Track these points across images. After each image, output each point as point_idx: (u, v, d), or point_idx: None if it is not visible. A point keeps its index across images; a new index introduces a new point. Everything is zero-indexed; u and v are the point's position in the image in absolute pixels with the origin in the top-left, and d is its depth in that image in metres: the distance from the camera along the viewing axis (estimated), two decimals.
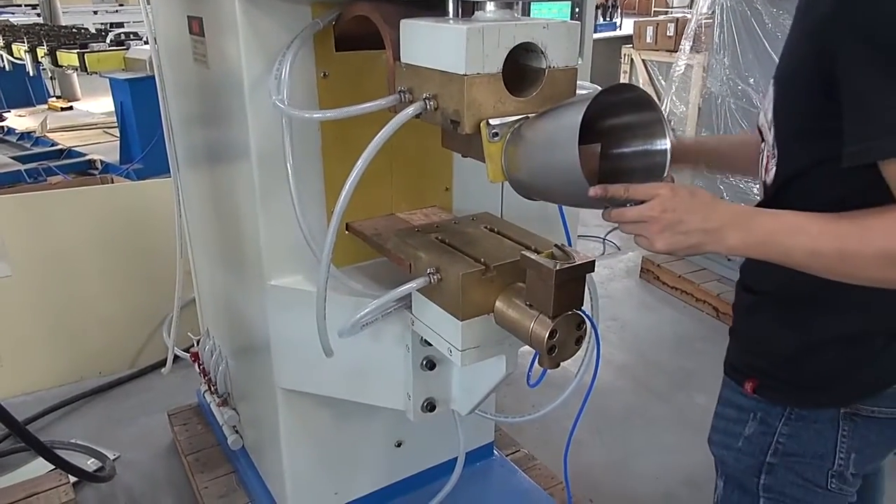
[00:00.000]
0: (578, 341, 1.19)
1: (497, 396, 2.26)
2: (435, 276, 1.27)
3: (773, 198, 1.12)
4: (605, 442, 2.67)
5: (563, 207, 1.40)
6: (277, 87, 1.34)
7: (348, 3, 1.35)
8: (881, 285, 0.95)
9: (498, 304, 1.25)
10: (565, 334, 1.15)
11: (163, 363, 2.49)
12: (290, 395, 1.74)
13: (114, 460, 2.46)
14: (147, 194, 3.12)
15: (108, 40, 6.13)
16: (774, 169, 1.11)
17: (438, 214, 1.66)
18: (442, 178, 1.71)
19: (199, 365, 2.29)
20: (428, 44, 1.15)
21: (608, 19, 16.08)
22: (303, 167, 1.44)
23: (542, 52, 1.14)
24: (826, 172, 1.02)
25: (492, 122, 1.12)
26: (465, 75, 1.08)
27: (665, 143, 1.07)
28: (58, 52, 5.74)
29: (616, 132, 1.11)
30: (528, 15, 1.35)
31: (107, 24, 12.27)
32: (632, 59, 6.84)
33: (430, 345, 1.40)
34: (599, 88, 1.04)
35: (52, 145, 6.56)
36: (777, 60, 1.30)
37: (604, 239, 4.62)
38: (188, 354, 2.42)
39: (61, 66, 5.82)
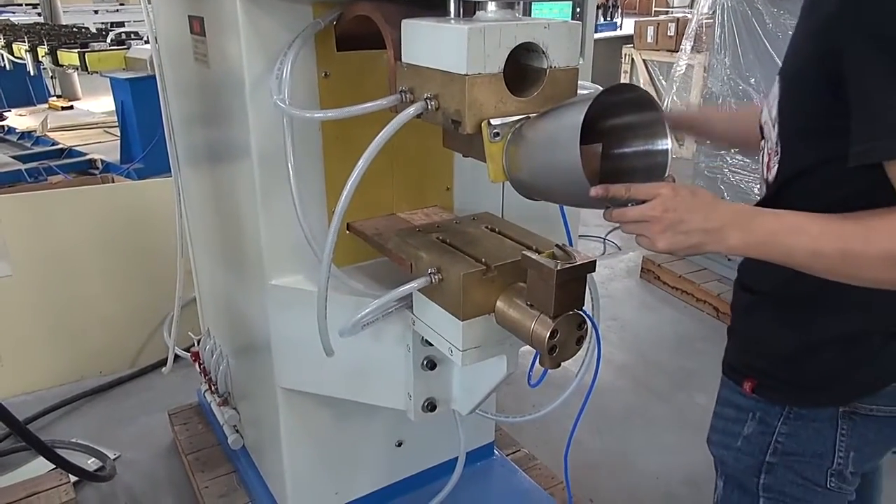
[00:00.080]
0: (579, 341, 1.19)
1: (497, 396, 2.26)
2: (436, 276, 1.27)
3: (775, 196, 1.12)
4: (605, 442, 2.67)
5: (564, 207, 1.40)
6: (278, 86, 1.34)
7: (349, 3, 1.35)
8: (883, 286, 0.95)
9: (499, 304, 1.25)
10: (566, 334, 1.15)
11: (163, 363, 2.49)
12: (290, 394, 1.74)
13: (114, 460, 2.46)
14: (147, 194, 3.12)
15: (108, 40, 6.13)
16: (777, 167, 1.11)
17: (439, 214, 1.66)
18: (443, 178, 1.71)
19: (200, 364, 2.29)
20: (429, 44, 1.15)
21: (609, 19, 16.08)
22: (304, 167, 1.44)
23: (544, 52, 1.14)
24: (830, 171, 1.02)
25: (493, 122, 1.12)
26: (467, 75, 1.08)
27: (666, 143, 1.08)
28: (58, 52, 5.74)
29: (617, 132, 1.11)
30: (530, 15, 1.35)
31: (107, 23, 12.27)
32: (632, 59, 6.85)
33: (431, 344, 1.40)
34: (600, 88, 1.04)
35: (53, 145, 6.56)
36: (778, 60, 1.30)
37: (604, 239, 4.63)
38: (189, 354, 2.42)
39: (62, 66, 5.82)
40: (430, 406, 1.52)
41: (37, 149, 6.56)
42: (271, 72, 1.36)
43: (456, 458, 1.79)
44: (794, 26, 1.11)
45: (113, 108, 6.21)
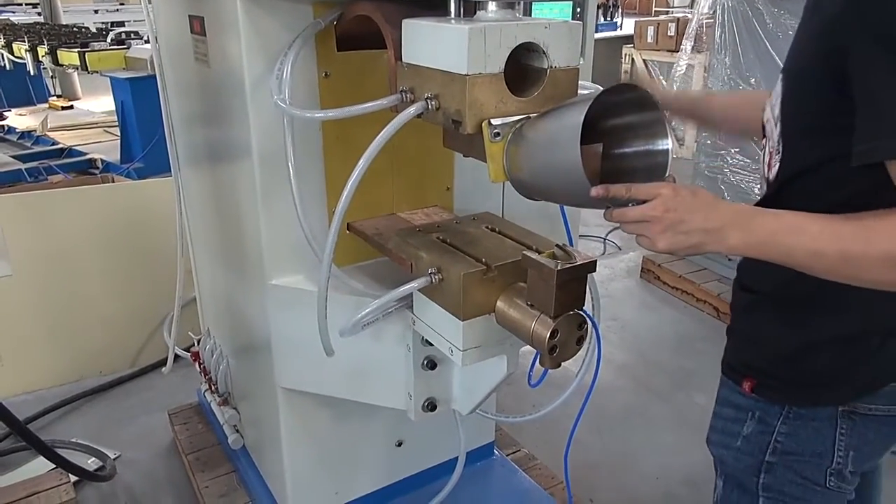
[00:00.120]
0: (579, 341, 1.19)
1: (498, 396, 2.26)
2: (436, 276, 1.27)
3: (775, 194, 1.12)
4: (605, 442, 2.67)
5: (565, 207, 1.40)
6: (279, 86, 1.34)
7: (350, 3, 1.35)
8: (883, 287, 0.95)
9: (499, 303, 1.25)
10: (566, 334, 1.15)
11: (163, 362, 2.49)
12: (290, 394, 1.74)
13: (114, 459, 2.46)
14: (148, 193, 3.12)
15: (108, 39, 6.12)
16: (778, 165, 1.11)
17: (440, 214, 1.66)
18: (443, 178, 1.71)
19: (200, 364, 2.29)
20: (430, 44, 1.15)
21: (609, 19, 16.08)
22: (304, 167, 1.44)
23: (544, 52, 1.14)
24: (832, 170, 1.02)
25: (493, 121, 1.12)
26: (467, 75, 1.08)
27: (667, 143, 1.08)
28: (58, 51, 5.74)
29: (618, 132, 1.11)
30: (530, 15, 1.35)
31: (107, 23, 12.26)
32: (633, 59, 6.84)
33: (431, 344, 1.40)
34: (601, 88, 1.04)
35: (53, 144, 6.55)
36: (779, 60, 1.30)
37: (604, 239, 4.63)
38: (189, 354, 2.42)
39: (62, 65, 5.82)
40: (431, 406, 1.52)
41: (37, 148, 6.56)
42: (272, 71, 1.36)
43: (456, 458, 1.79)
44: (794, 26, 1.11)
45: (113, 107, 6.21)
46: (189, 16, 1.69)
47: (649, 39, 6.85)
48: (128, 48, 5.71)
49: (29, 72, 6.70)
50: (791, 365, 1.15)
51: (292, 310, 1.58)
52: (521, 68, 1.17)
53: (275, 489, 2.05)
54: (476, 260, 1.27)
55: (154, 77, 2.07)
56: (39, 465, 2.31)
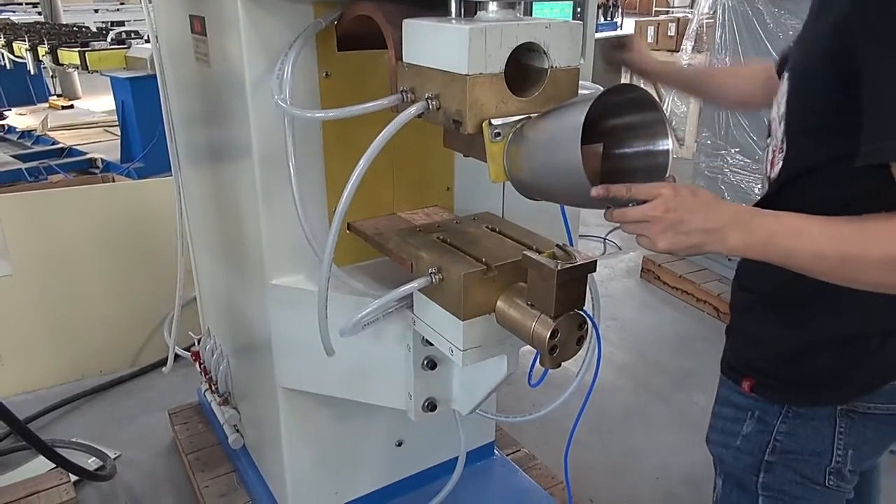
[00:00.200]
0: (580, 341, 1.19)
1: (498, 396, 2.26)
2: (436, 276, 1.27)
3: (776, 193, 1.12)
4: (605, 442, 2.67)
5: (565, 207, 1.40)
6: (279, 86, 1.34)
7: (350, 3, 1.35)
8: (882, 290, 0.95)
9: (499, 303, 1.25)
10: (566, 334, 1.15)
11: (164, 362, 2.49)
12: (291, 394, 1.74)
13: (114, 459, 2.46)
14: (148, 193, 3.12)
15: (109, 39, 6.12)
16: (781, 164, 1.11)
17: (440, 214, 1.66)
18: (443, 178, 1.71)
19: (200, 364, 2.29)
20: (430, 44, 1.15)
21: (609, 19, 16.09)
22: (305, 166, 1.44)
23: (545, 52, 1.14)
24: (835, 170, 1.02)
25: (494, 121, 1.12)
26: (468, 75, 1.08)
27: (667, 144, 1.08)
28: (59, 51, 5.74)
29: (618, 132, 1.11)
30: (531, 15, 1.35)
31: (108, 22, 12.26)
32: None
33: (432, 344, 1.40)
34: (601, 88, 1.04)
35: (53, 144, 6.55)
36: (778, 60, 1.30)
37: (604, 239, 4.63)
38: (189, 353, 2.42)
39: (62, 65, 5.82)
40: (431, 406, 1.52)
41: (37, 148, 6.55)
42: (272, 71, 1.36)
43: (456, 458, 1.79)
44: (794, 26, 1.12)
45: (113, 107, 6.21)
46: (190, 15, 1.69)
47: (649, 39, 6.85)
48: (128, 48, 5.71)
49: (29, 71, 6.70)
50: (791, 365, 1.15)
51: (293, 309, 1.58)
52: (522, 68, 1.17)
53: (275, 489, 2.05)
54: (476, 260, 1.27)
55: (154, 77, 2.07)
56: (40, 465, 2.31)
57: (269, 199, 1.52)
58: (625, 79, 1.71)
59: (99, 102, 8.51)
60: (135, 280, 3.00)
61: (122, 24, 11.41)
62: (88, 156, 5.99)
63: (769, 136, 1.17)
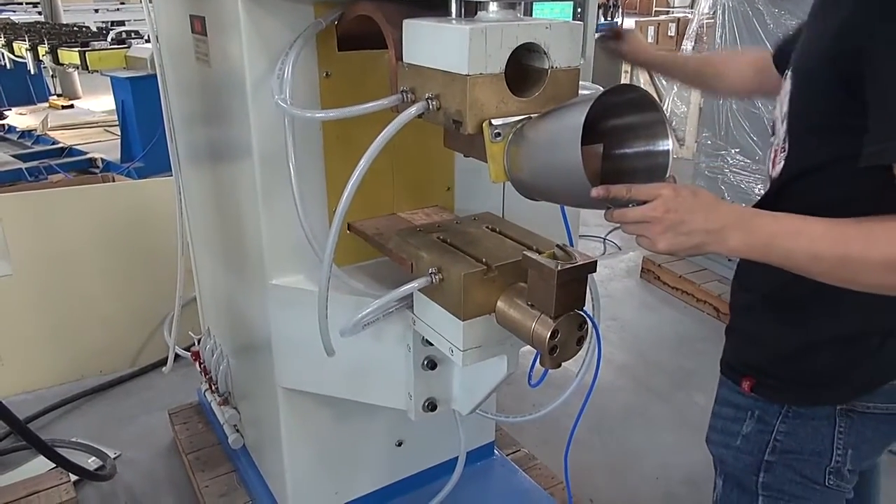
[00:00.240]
0: (580, 341, 1.19)
1: (498, 396, 2.26)
2: (436, 276, 1.28)
3: (778, 192, 1.12)
4: (605, 442, 2.67)
5: (565, 207, 1.40)
6: (280, 86, 1.34)
7: (351, 3, 1.35)
8: (881, 292, 0.95)
9: (499, 304, 1.25)
10: (567, 334, 1.15)
11: (164, 362, 2.49)
12: (291, 394, 1.74)
13: (114, 459, 2.46)
14: (148, 193, 3.12)
15: (109, 39, 6.12)
16: (783, 163, 1.11)
17: (440, 214, 1.66)
18: (443, 178, 1.71)
19: (200, 364, 2.29)
20: (430, 44, 1.15)
21: (609, 19, 16.08)
22: (305, 166, 1.44)
23: (545, 53, 1.14)
24: (838, 171, 1.02)
25: (494, 122, 1.12)
26: (468, 75, 1.08)
27: (667, 144, 1.08)
28: (59, 51, 5.73)
29: (618, 133, 1.11)
30: (531, 15, 1.35)
31: (108, 22, 12.26)
32: None
33: (432, 344, 1.40)
34: (602, 89, 1.04)
35: (53, 143, 6.55)
36: None
37: (604, 239, 4.63)
38: (189, 353, 2.42)
39: (62, 65, 5.81)
40: (431, 406, 1.52)
41: (37, 148, 6.55)
42: (273, 71, 1.36)
43: (456, 458, 1.79)
44: (794, 26, 1.12)
45: (113, 106, 6.21)
46: (190, 15, 1.69)
47: (650, 39, 6.85)
48: (128, 47, 5.71)
49: (29, 71, 6.70)
50: (790, 364, 1.15)
51: (293, 309, 1.58)
52: (522, 68, 1.17)
53: (275, 489, 2.05)
54: (476, 260, 1.27)
55: (154, 76, 2.07)
56: (40, 465, 2.31)
57: (269, 198, 1.52)
58: (625, 78, 1.72)
59: (99, 102, 8.51)
60: (135, 280, 3.00)
61: (122, 23, 11.41)
62: (88, 156, 5.99)
63: (773, 135, 1.17)
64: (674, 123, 6.17)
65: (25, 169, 5.51)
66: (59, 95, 8.82)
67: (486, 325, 1.27)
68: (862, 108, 0.93)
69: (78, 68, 5.59)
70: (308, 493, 1.91)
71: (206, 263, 2.21)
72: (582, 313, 1.17)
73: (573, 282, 1.13)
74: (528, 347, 1.23)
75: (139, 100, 5.44)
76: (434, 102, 1.16)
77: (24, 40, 6.13)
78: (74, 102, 8.75)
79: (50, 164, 5.65)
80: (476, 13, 1.15)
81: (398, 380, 1.53)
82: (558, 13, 1.69)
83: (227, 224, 1.86)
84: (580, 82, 1.21)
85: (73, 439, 2.55)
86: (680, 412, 2.86)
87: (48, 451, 1.97)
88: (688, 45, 5.45)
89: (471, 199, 1.73)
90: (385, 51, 1.28)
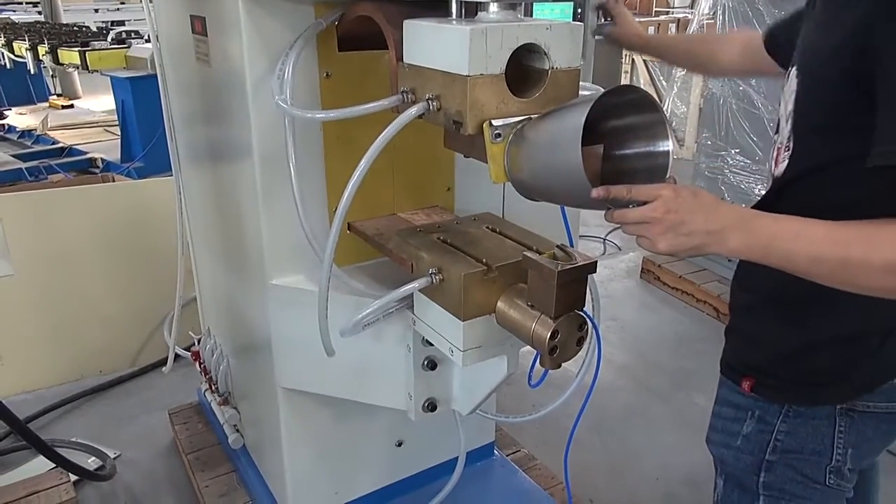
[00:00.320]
0: (580, 342, 1.19)
1: (498, 396, 2.26)
2: (437, 277, 1.28)
3: (781, 191, 1.12)
4: (605, 442, 2.67)
5: (565, 208, 1.40)
6: (280, 86, 1.34)
7: (351, 3, 1.35)
8: (881, 294, 0.95)
9: (499, 304, 1.25)
10: (567, 335, 1.16)
11: (164, 362, 2.49)
12: (291, 394, 1.75)
13: (114, 459, 2.46)
14: (148, 193, 3.13)
15: (109, 38, 6.12)
16: (786, 162, 1.11)
17: (440, 214, 1.66)
18: (444, 178, 1.71)
19: (200, 364, 2.29)
20: (431, 44, 1.15)
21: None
22: (305, 167, 1.44)
23: (545, 54, 1.14)
24: (843, 171, 1.02)
25: (494, 122, 1.12)
26: (469, 76, 1.08)
27: (667, 145, 1.08)
28: (59, 50, 5.73)
29: (618, 133, 1.12)
30: (531, 16, 1.35)
31: (108, 22, 12.26)
32: (633, 60, 6.84)
33: (432, 345, 1.40)
34: (602, 90, 1.04)
35: (53, 143, 6.55)
36: None
37: (604, 239, 4.63)
38: (189, 353, 2.42)
39: (62, 65, 5.81)
40: (431, 406, 1.52)
41: (37, 147, 6.55)
42: (273, 72, 1.36)
43: (456, 458, 1.79)
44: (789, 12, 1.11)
45: (113, 106, 6.21)
46: (190, 16, 1.69)
47: None
48: (128, 47, 5.71)
49: (29, 71, 6.70)
50: (791, 364, 1.16)
51: (293, 310, 1.58)
52: (523, 69, 1.17)
53: (275, 489, 2.05)
54: (477, 260, 1.27)
55: (154, 76, 2.07)
56: (39, 465, 2.31)
57: (269, 199, 1.52)
58: (625, 79, 1.73)
59: (99, 102, 8.51)
60: (135, 280, 3.00)
61: (122, 23, 11.41)
62: (88, 155, 6.00)
63: (776, 133, 1.17)
64: (674, 124, 6.18)
65: (25, 169, 5.51)
66: (59, 95, 8.82)
67: (486, 326, 1.27)
68: (869, 107, 0.92)
69: (78, 68, 5.59)
70: (308, 493, 1.91)
71: (206, 263, 2.21)
72: (582, 314, 1.17)
73: (573, 282, 1.13)
74: (529, 348, 1.23)
75: (139, 100, 5.43)
76: (434, 103, 1.16)
77: (24, 40, 6.13)
78: (74, 102, 8.75)
79: (50, 164, 5.65)
80: (476, 14, 1.16)
81: (398, 380, 1.53)
82: (558, 14, 1.69)
83: (227, 224, 1.86)
84: (580, 83, 1.21)
85: (73, 439, 2.55)
86: (680, 412, 2.86)
87: (48, 451, 1.97)
88: None
89: (471, 199, 1.73)
90: (385, 51, 1.28)
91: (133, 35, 6.37)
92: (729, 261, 3.62)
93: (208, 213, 2.02)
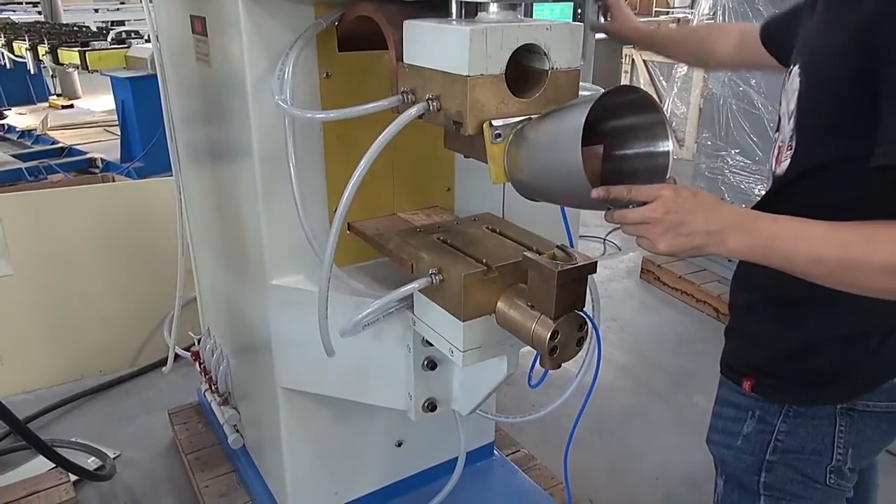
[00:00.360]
0: (580, 342, 1.19)
1: (497, 396, 2.26)
2: (437, 277, 1.28)
3: (782, 190, 1.12)
4: (605, 442, 2.67)
5: (565, 208, 1.40)
6: (280, 86, 1.34)
7: (351, 4, 1.35)
8: (881, 296, 0.95)
9: (499, 304, 1.25)
10: (567, 335, 1.16)
11: (163, 362, 2.49)
12: (291, 394, 1.75)
13: (114, 459, 2.46)
14: (148, 193, 3.13)
15: (109, 38, 6.12)
16: (788, 161, 1.11)
17: (440, 215, 1.66)
18: (444, 179, 1.71)
19: (200, 364, 2.29)
20: (431, 45, 1.15)
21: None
22: (305, 167, 1.44)
23: (545, 54, 1.14)
24: (845, 171, 1.02)
25: (494, 123, 1.12)
26: (469, 76, 1.08)
27: (667, 145, 1.08)
28: (59, 50, 5.73)
29: (618, 134, 1.12)
30: (531, 16, 1.35)
31: (108, 22, 12.26)
32: (633, 60, 6.85)
33: (432, 345, 1.40)
34: (602, 90, 1.04)
35: (53, 143, 6.55)
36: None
37: (604, 239, 4.63)
38: (189, 353, 2.42)
39: (62, 65, 5.81)
40: (431, 406, 1.52)
41: (37, 147, 6.55)
42: (273, 72, 1.36)
43: (456, 459, 1.79)
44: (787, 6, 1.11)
45: (113, 106, 6.21)
46: (191, 16, 1.69)
47: None
48: (128, 47, 5.71)
49: (29, 71, 6.70)
50: (791, 364, 1.16)
51: (293, 310, 1.58)
52: (523, 69, 1.17)
53: (275, 489, 2.05)
54: (477, 261, 1.27)
55: (154, 76, 2.07)
56: (39, 465, 2.31)
57: (269, 199, 1.52)
58: (625, 79, 1.73)
59: (99, 102, 8.51)
60: (135, 280, 3.00)
61: (122, 23, 11.41)
62: (88, 155, 6.00)
63: (776, 131, 1.17)
64: (674, 124, 6.18)
65: (25, 169, 5.51)
66: (58, 95, 8.83)
67: (486, 326, 1.27)
68: (874, 108, 0.92)
69: (78, 68, 5.59)
70: (308, 494, 1.91)
71: (206, 263, 2.21)
72: (582, 314, 1.17)
73: (573, 282, 1.13)
74: (528, 348, 1.23)
75: (139, 100, 5.44)
76: (434, 103, 1.16)
77: (24, 40, 6.13)
78: (74, 102, 8.75)
79: (50, 163, 5.65)
80: (476, 14, 1.16)
81: (398, 380, 1.53)
82: (559, 14, 1.69)
83: (227, 224, 1.86)
84: (580, 83, 1.21)
85: (73, 439, 2.55)
86: (680, 412, 2.86)
87: (48, 451, 1.97)
88: None
89: (471, 199, 1.73)
90: (385, 51, 1.28)
91: (133, 35, 6.37)
92: (729, 261, 3.62)
93: (208, 213, 2.02)
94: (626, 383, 3.07)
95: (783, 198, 1.11)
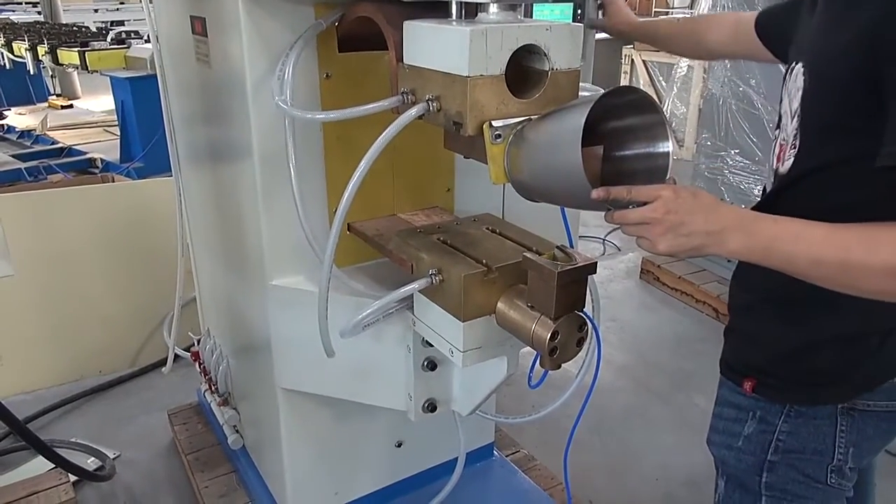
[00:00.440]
0: (579, 342, 1.19)
1: (497, 397, 2.26)
2: (437, 277, 1.28)
3: (785, 189, 1.12)
4: (605, 442, 2.67)
5: (565, 209, 1.40)
6: (280, 87, 1.34)
7: (351, 4, 1.35)
8: (880, 297, 0.95)
9: (499, 305, 1.25)
10: (566, 336, 1.16)
11: (163, 362, 2.49)
12: (290, 394, 1.75)
13: (114, 459, 2.46)
14: (148, 193, 3.12)
15: (108, 39, 6.12)
16: (792, 160, 1.11)
17: (440, 215, 1.66)
18: (444, 179, 1.71)
19: (200, 364, 2.29)
20: (431, 45, 1.15)
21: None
22: (305, 167, 1.44)
23: (545, 55, 1.14)
24: (848, 171, 1.02)
25: (494, 123, 1.12)
26: (469, 77, 1.08)
27: (667, 146, 1.08)
28: (58, 51, 5.74)
29: (618, 134, 1.12)
30: (531, 17, 1.35)
31: (107, 22, 12.26)
32: (632, 60, 6.85)
33: (432, 345, 1.40)
34: (602, 91, 1.04)
35: (53, 143, 6.55)
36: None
37: (604, 240, 4.63)
38: (189, 354, 2.42)
39: (62, 65, 5.82)
40: (431, 407, 1.52)
41: (36, 148, 6.55)
42: (273, 72, 1.36)
43: (456, 459, 1.79)
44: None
45: (113, 107, 6.21)
46: (190, 16, 1.69)
47: None
48: (128, 47, 5.71)
49: (29, 71, 6.70)
50: (791, 364, 1.16)
51: (293, 310, 1.58)
52: (523, 70, 1.17)
53: (275, 489, 2.05)
54: (477, 261, 1.27)
55: (154, 77, 2.07)
56: (39, 465, 2.31)
57: (269, 199, 1.52)
58: (624, 79, 1.73)
59: (98, 102, 8.51)
60: (135, 280, 3.00)
61: (121, 23, 11.41)
62: (88, 156, 6.00)
63: (777, 129, 1.17)
64: (673, 125, 6.18)
65: (25, 169, 5.51)
66: (58, 95, 8.82)
67: (486, 327, 1.27)
68: (878, 108, 0.92)
69: (77, 68, 5.60)
70: (308, 494, 1.91)
71: (206, 264, 2.21)
72: (582, 314, 1.17)
73: (573, 283, 1.13)
74: (529, 348, 1.23)
75: (139, 100, 5.43)
76: (434, 104, 1.16)
77: (24, 40, 6.13)
78: (74, 102, 8.75)
79: (49, 164, 5.65)
80: (476, 15, 1.16)
81: (398, 381, 1.53)
82: (558, 14, 1.69)
83: (227, 224, 1.86)
84: (580, 84, 1.21)
85: (73, 439, 2.55)
86: (680, 413, 2.86)
87: (47, 451, 1.97)
88: None
89: (471, 200, 1.73)
90: (385, 52, 1.28)
91: (133, 35, 6.38)
92: (728, 261, 3.61)
93: (208, 213, 2.02)
94: (625, 384, 3.07)
95: (785, 197, 1.11)
